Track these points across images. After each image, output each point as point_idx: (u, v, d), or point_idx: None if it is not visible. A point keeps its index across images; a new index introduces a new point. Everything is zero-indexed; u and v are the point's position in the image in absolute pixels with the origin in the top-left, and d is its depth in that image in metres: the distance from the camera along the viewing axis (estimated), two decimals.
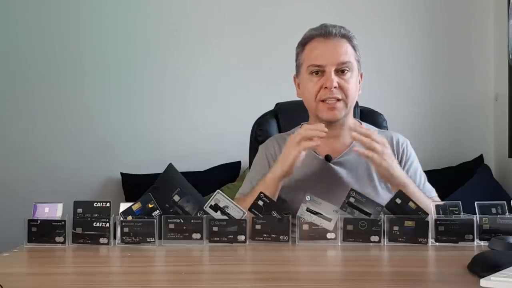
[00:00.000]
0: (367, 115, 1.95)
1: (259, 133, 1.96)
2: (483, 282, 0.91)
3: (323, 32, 1.64)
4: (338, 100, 1.62)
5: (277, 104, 2.05)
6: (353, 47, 1.66)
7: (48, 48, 3.27)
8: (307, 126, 1.58)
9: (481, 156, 3.09)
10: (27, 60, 3.28)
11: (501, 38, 3.02)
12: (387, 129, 1.93)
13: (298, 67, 1.72)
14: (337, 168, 1.66)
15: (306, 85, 1.66)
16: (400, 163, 1.68)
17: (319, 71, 1.63)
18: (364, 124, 1.78)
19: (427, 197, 1.59)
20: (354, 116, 1.86)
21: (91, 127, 3.27)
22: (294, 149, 1.54)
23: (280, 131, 1.94)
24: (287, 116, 1.95)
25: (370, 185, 1.65)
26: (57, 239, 1.38)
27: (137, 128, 3.27)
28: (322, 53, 1.62)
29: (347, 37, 1.65)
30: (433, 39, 3.22)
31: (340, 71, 1.62)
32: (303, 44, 1.69)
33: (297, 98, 1.78)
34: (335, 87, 1.60)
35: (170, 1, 3.28)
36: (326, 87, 1.60)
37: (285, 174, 1.56)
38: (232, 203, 1.39)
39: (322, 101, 1.63)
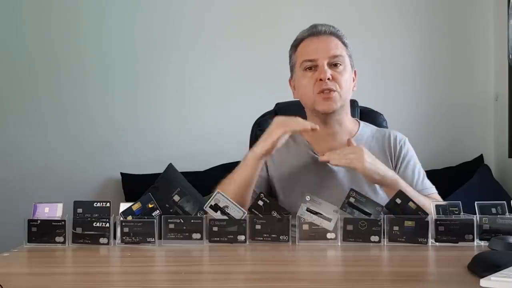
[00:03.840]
0: (367, 115, 1.95)
1: (259, 133, 1.94)
2: (483, 282, 0.91)
3: (314, 32, 1.70)
4: (333, 91, 1.64)
5: (277, 104, 2.05)
6: (343, 43, 1.70)
7: (48, 47, 3.27)
8: (300, 120, 1.60)
9: (481, 156, 3.09)
10: (27, 60, 3.28)
11: (501, 38, 3.02)
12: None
13: (292, 67, 1.76)
14: (334, 167, 1.66)
15: (302, 82, 1.69)
16: (397, 160, 1.71)
17: (312, 66, 1.66)
18: (363, 123, 1.78)
19: (421, 195, 1.59)
20: (354, 116, 1.87)
21: (91, 127, 3.27)
22: (279, 129, 1.57)
23: None
24: (287, 116, 1.94)
25: (368, 184, 1.64)
26: (57, 239, 1.38)
27: (138, 128, 3.27)
28: (314, 49, 1.67)
29: (336, 35, 1.70)
30: (433, 39, 3.22)
31: (333, 65, 1.66)
32: (295, 46, 1.74)
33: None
34: (328, 79, 1.63)
35: (171, 1, 3.28)
36: (320, 79, 1.63)
37: (265, 153, 1.57)
38: (232, 203, 1.39)
39: (318, 93, 1.65)
